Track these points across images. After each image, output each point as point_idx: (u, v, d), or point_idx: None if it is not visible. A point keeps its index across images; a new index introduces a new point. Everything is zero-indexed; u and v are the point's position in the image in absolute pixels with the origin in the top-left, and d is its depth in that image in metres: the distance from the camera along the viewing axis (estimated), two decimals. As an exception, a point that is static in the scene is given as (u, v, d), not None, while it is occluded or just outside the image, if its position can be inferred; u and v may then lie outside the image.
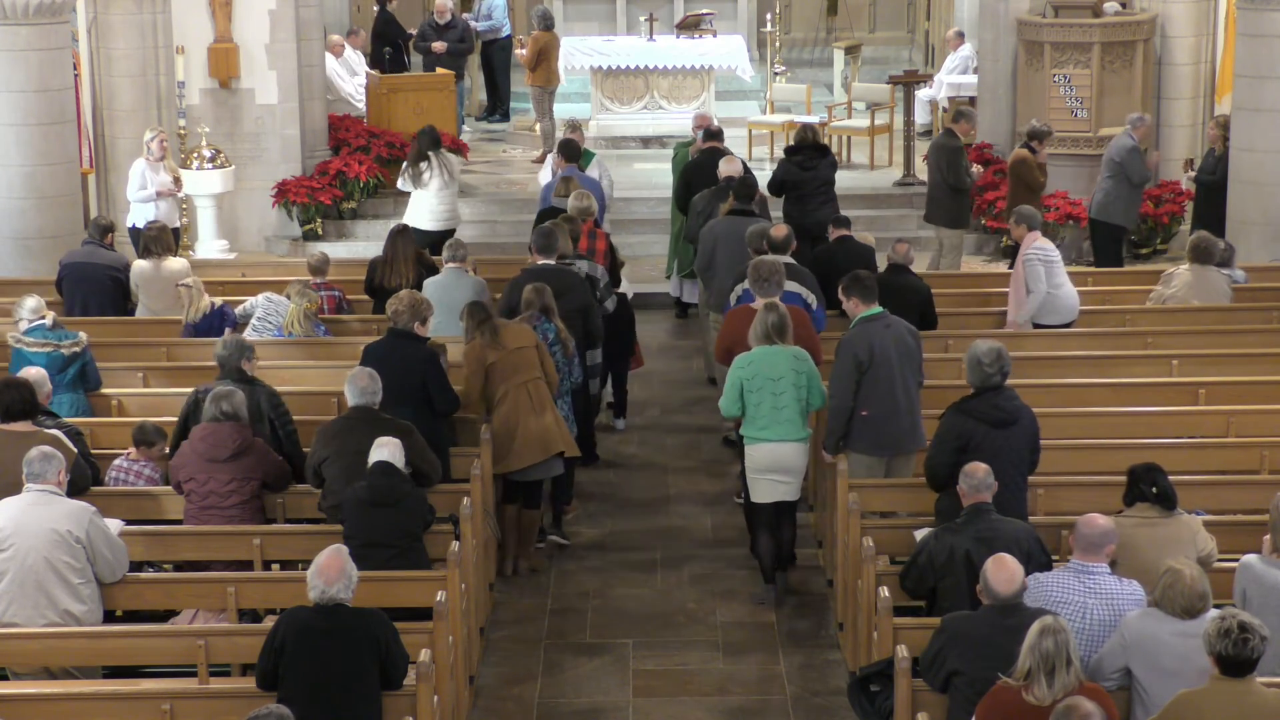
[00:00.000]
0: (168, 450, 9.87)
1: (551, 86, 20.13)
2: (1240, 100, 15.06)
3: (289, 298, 12.23)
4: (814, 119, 19.54)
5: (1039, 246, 12.67)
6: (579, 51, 20.92)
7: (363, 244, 17.54)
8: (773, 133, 20.05)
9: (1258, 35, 14.77)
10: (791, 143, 15.68)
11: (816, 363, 10.34)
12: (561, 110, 20.80)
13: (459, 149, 18.75)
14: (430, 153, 15.33)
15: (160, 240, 13.18)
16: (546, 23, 20.15)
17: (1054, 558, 8.46)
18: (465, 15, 21.95)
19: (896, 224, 17.96)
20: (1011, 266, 13.35)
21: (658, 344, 15.52)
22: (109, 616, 8.64)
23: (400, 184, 15.68)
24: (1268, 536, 7.88)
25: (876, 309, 10.18)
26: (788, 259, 11.75)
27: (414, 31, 21.40)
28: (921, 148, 19.02)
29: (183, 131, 17.28)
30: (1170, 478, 8.40)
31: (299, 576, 8.06)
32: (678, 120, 20.18)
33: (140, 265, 13.19)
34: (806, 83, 22.21)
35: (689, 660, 9.77)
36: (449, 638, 8.38)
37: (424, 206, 15.42)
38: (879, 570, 8.66)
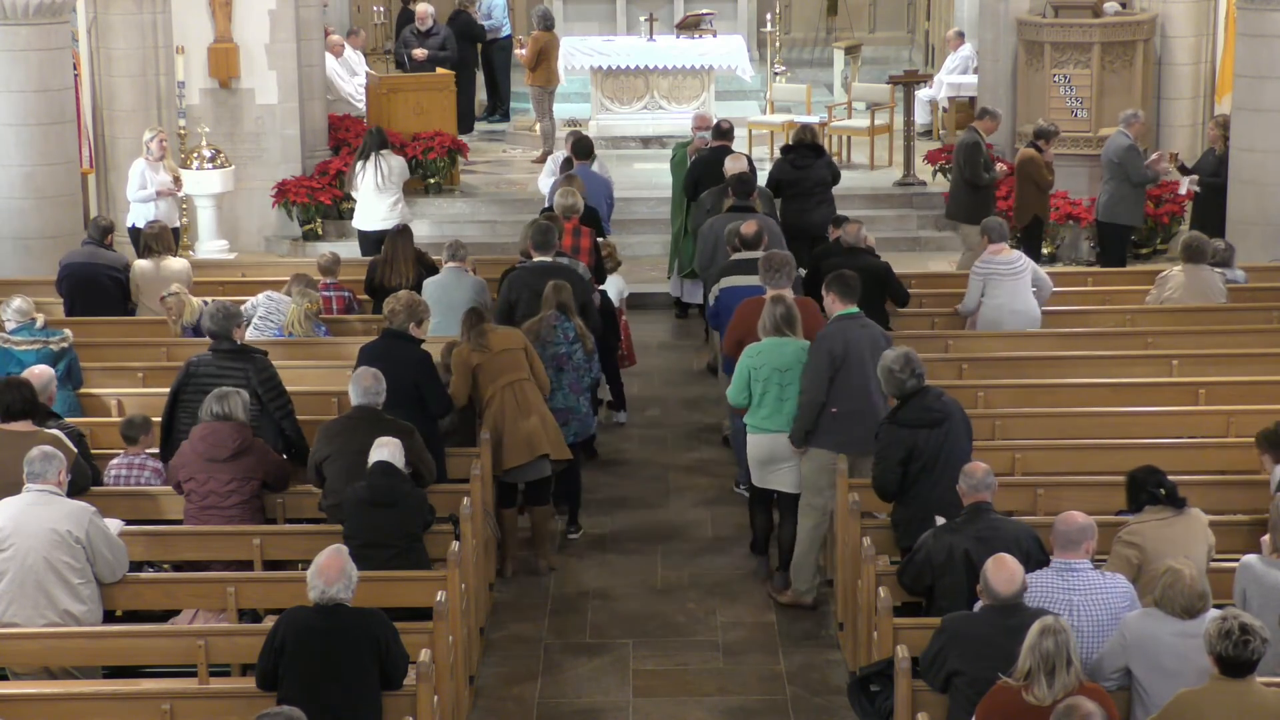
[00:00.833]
0: (154, 433, 9.86)
1: (551, 86, 20.11)
2: (1240, 100, 15.06)
3: (289, 294, 12.23)
4: (814, 119, 19.53)
5: (987, 260, 12.57)
6: (579, 51, 20.92)
7: (362, 244, 17.54)
8: (773, 133, 20.01)
9: (1258, 35, 14.77)
10: (789, 142, 15.70)
11: None
12: (561, 110, 20.82)
13: (459, 149, 18.77)
14: (372, 153, 15.47)
15: (160, 240, 13.21)
16: (546, 23, 20.13)
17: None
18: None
19: (897, 224, 17.96)
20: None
21: (658, 343, 15.52)
22: (109, 616, 8.63)
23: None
24: (1268, 536, 7.90)
25: (854, 309, 10.22)
26: (758, 254, 11.70)
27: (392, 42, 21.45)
28: (921, 148, 19.03)
29: (183, 131, 17.29)
30: (1170, 477, 8.40)
31: (299, 576, 8.06)
32: (678, 120, 20.17)
33: (140, 265, 13.20)
34: (806, 83, 22.20)
35: (689, 660, 9.77)
36: (449, 638, 8.37)
37: (360, 206, 15.80)
38: (879, 570, 8.66)
